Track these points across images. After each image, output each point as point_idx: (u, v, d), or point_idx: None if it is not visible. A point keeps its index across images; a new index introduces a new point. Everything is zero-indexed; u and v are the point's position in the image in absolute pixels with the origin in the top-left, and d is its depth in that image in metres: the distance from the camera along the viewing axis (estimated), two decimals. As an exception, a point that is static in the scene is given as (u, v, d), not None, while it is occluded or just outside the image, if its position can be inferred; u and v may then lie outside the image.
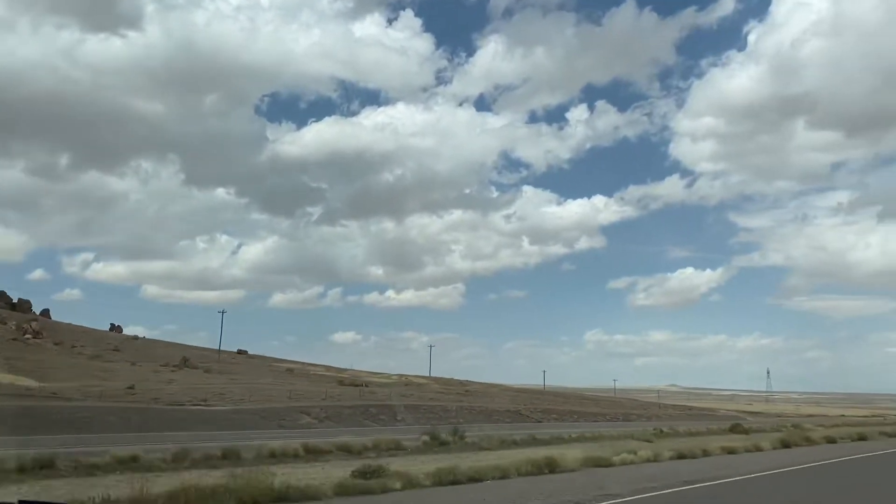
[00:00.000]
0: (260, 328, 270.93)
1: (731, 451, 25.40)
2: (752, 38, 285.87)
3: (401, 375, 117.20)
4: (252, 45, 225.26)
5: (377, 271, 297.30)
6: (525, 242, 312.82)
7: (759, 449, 27.69)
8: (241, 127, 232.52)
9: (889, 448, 30.85)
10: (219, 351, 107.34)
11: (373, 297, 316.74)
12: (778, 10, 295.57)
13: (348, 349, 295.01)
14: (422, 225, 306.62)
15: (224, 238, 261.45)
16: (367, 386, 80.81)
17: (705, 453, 24.03)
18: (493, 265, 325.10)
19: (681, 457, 22.57)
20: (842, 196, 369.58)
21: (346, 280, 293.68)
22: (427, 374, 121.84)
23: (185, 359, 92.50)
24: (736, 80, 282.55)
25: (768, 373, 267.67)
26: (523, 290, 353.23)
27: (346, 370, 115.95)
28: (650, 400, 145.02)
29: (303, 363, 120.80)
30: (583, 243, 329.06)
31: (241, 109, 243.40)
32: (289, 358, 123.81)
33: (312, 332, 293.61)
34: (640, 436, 32.68)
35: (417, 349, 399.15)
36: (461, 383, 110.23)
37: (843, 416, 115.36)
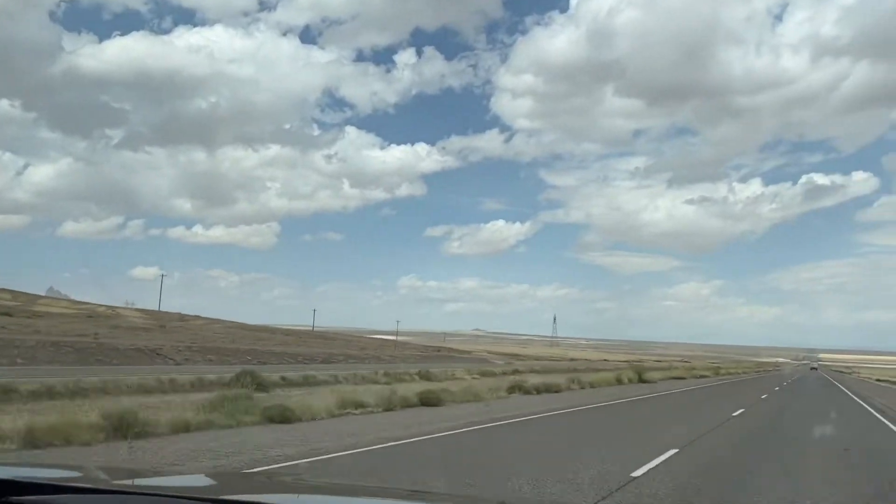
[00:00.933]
0: (47, 258, 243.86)
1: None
2: (574, 0, 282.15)
3: (110, 307, 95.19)
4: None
5: (184, 204, 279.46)
6: (345, 185, 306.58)
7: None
8: (31, 33, 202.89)
9: (595, 402, 23.78)
10: None
11: (178, 231, 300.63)
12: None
13: (149, 286, 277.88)
14: (235, 158, 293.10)
15: (7, 156, 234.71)
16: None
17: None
18: (310, 206, 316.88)
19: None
20: (639, 161, 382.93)
21: (148, 211, 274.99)
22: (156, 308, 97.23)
23: None
24: (556, 40, 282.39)
25: (554, 319, 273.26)
26: (340, 233, 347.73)
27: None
28: (434, 343, 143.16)
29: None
30: (403, 190, 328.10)
31: (33, 13, 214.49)
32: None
33: (110, 267, 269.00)
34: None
35: (226, 288, 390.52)
36: (181, 317, 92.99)
37: (605, 360, 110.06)
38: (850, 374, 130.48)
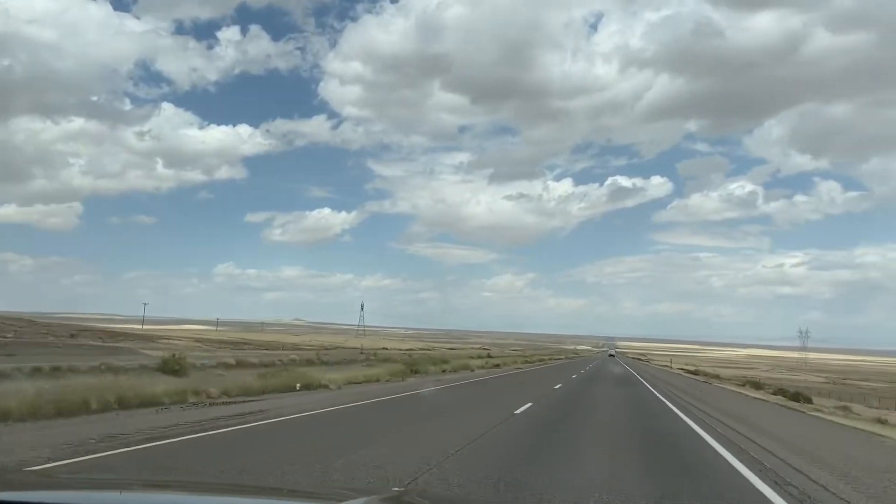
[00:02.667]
0: None
1: None
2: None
3: None
4: None
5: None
6: (159, 164, 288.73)
7: None
8: None
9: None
10: None
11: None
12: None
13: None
14: (32, 130, 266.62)
15: None
16: None
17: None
18: (119, 185, 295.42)
19: None
20: (464, 156, 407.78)
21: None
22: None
23: None
24: (386, 30, 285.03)
25: (362, 307, 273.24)
26: (152, 216, 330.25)
27: None
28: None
29: None
30: (223, 172, 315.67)
31: None
32: None
33: None
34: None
35: (17, 273, 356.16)
36: None
37: (411, 349, 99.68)
38: (645, 361, 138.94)
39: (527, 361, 76.79)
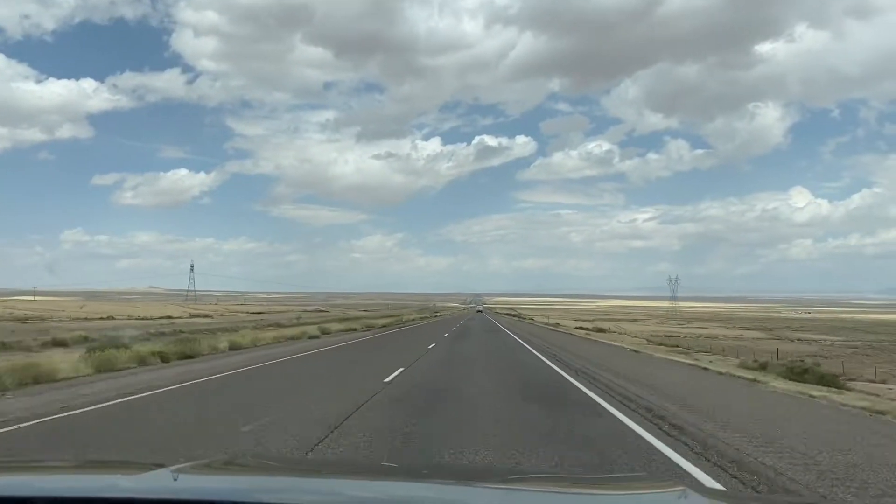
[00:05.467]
0: None
1: None
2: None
3: None
4: None
5: None
6: None
7: None
8: None
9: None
10: None
11: None
12: None
13: None
14: None
15: None
16: None
17: None
18: None
19: None
20: (329, 114, 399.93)
21: None
22: None
23: None
24: None
25: (192, 268, 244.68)
26: None
27: None
28: None
29: None
30: (65, 131, 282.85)
31: None
32: None
33: None
34: None
35: None
36: None
37: (207, 315, 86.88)
38: (521, 317, 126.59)
39: (369, 327, 56.97)
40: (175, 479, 2.43)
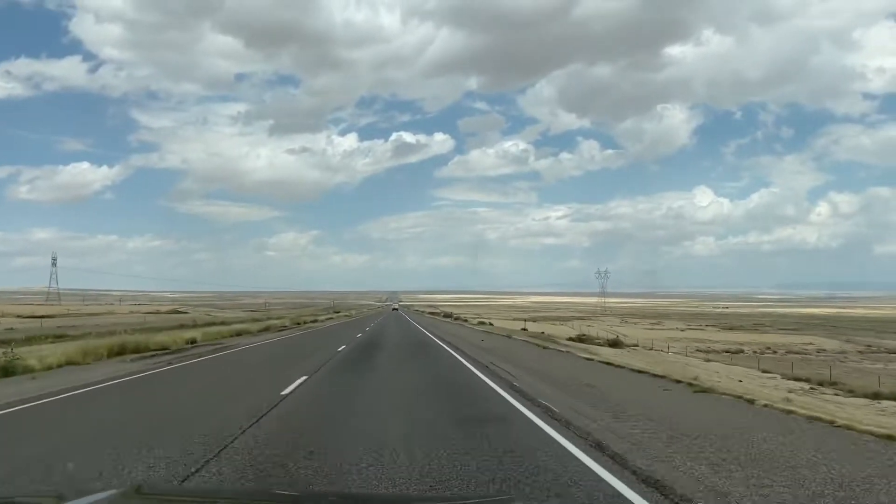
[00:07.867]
0: None
1: None
2: None
3: None
4: None
5: None
6: None
7: None
8: None
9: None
10: None
11: None
12: None
13: None
14: None
15: None
16: None
17: None
18: None
19: None
20: (241, 107, 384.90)
21: None
22: None
23: None
24: None
25: (54, 262, 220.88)
26: None
27: None
28: None
29: None
30: None
31: None
32: None
33: None
34: None
35: None
36: None
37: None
38: (451, 319, 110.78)
39: (265, 329, 40.53)
40: None
